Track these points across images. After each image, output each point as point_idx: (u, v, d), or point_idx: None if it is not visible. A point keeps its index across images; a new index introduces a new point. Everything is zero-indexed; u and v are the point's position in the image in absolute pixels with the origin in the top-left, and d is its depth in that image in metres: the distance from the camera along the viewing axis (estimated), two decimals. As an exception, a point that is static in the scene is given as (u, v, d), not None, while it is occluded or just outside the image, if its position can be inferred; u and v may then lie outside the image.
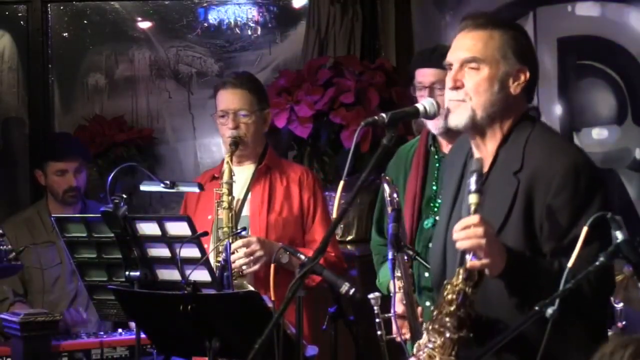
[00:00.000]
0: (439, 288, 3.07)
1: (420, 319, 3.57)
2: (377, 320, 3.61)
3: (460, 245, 2.79)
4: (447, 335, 2.81)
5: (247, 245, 4.22)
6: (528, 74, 2.99)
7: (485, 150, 3.02)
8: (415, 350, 2.93)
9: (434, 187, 3.87)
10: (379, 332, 3.63)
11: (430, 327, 2.87)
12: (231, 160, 4.28)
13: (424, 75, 3.91)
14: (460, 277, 2.80)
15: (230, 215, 4.24)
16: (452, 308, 2.81)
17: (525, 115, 3.02)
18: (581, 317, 2.85)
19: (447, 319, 2.81)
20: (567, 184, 2.87)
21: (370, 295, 3.62)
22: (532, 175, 2.90)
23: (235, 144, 4.34)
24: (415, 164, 3.98)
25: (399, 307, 3.61)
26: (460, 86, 2.97)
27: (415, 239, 3.87)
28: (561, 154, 2.92)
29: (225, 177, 4.26)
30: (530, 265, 2.84)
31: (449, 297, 2.82)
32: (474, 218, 2.77)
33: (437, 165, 3.90)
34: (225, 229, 4.23)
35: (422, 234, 3.85)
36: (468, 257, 2.79)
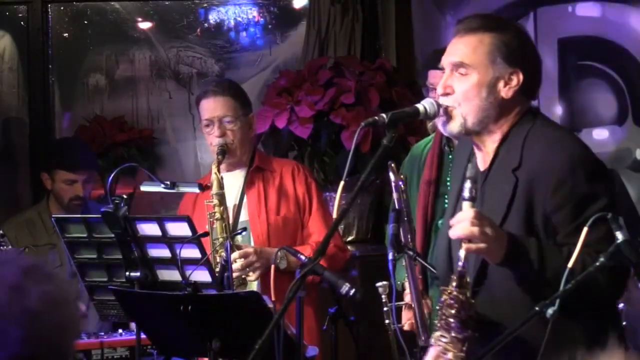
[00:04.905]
0: (446, 284, 3.09)
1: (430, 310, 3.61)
2: (385, 309, 3.61)
3: (454, 233, 2.80)
4: (453, 334, 2.83)
5: (244, 256, 4.22)
6: (521, 77, 2.97)
7: (485, 149, 3.03)
8: (433, 341, 2.94)
9: (449, 187, 3.88)
10: (386, 321, 3.64)
11: (439, 324, 2.88)
12: (218, 170, 4.26)
13: (436, 76, 3.88)
14: (454, 283, 2.82)
15: (223, 225, 4.23)
16: (452, 311, 2.82)
17: (527, 113, 3.01)
18: (586, 314, 2.86)
19: (452, 320, 2.82)
20: (566, 179, 2.87)
21: (378, 284, 3.62)
22: (531, 172, 2.91)
23: (223, 152, 4.32)
24: (429, 163, 3.99)
25: (407, 298, 3.64)
26: (449, 92, 2.99)
27: (429, 237, 3.89)
28: (558, 150, 2.92)
29: (215, 188, 4.24)
30: (533, 250, 2.83)
31: (448, 302, 2.83)
32: (470, 212, 2.78)
33: (451, 164, 3.90)
34: (221, 239, 4.22)
35: (438, 233, 3.86)
36: (461, 252, 2.79)
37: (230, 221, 4.33)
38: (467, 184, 2.79)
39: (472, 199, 2.78)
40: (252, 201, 4.41)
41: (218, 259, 4.12)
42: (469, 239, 2.77)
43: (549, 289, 2.75)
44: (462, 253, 2.78)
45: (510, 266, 2.85)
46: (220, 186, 4.24)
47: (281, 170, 4.48)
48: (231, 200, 4.37)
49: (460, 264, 2.79)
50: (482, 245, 2.77)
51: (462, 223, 2.77)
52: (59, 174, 5.20)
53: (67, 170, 5.19)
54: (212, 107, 4.39)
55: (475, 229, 2.75)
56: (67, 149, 5.46)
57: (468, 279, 2.82)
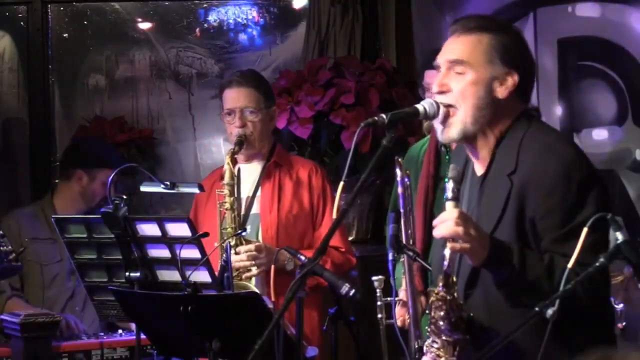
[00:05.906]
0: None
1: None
2: (379, 303, 3.61)
3: (438, 232, 2.80)
4: (443, 338, 2.83)
5: (254, 250, 4.21)
6: (517, 78, 2.97)
7: (480, 154, 3.03)
8: (425, 348, 2.94)
9: (446, 181, 3.87)
10: (379, 316, 3.64)
11: (429, 329, 2.88)
12: (232, 161, 4.27)
13: (432, 76, 3.88)
14: (440, 283, 2.82)
15: (232, 216, 4.23)
16: (441, 313, 2.82)
17: (521, 116, 3.00)
18: (579, 320, 2.85)
19: (441, 322, 2.83)
20: (558, 185, 2.86)
21: (374, 278, 3.62)
22: (525, 177, 2.90)
23: (240, 143, 4.33)
24: (426, 164, 3.99)
25: (402, 294, 3.64)
26: (446, 90, 2.98)
27: (431, 233, 3.89)
28: (551, 155, 2.90)
29: (227, 179, 4.25)
30: (516, 255, 2.83)
31: (436, 304, 2.83)
32: (454, 211, 2.79)
33: (449, 164, 3.89)
34: (229, 230, 4.22)
35: None
36: (446, 251, 2.79)
37: (242, 212, 4.32)
38: (450, 184, 2.80)
39: (455, 199, 2.79)
40: (266, 195, 4.41)
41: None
42: (453, 239, 2.78)
43: (527, 295, 2.78)
44: (446, 252, 2.80)
45: (491, 269, 2.86)
46: (232, 177, 4.24)
47: (299, 168, 4.48)
48: (245, 191, 4.37)
49: (445, 263, 2.80)
50: (466, 245, 2.78)
51: (446, 222, 2.78)
52: (105, 173, 5.07)
53: (115, 168, 5.07)
54: (234, 97, 4.40)
55: (460, 229, 2.76)
56: (112, 149, 5.44)
57: (454, 279, 2.83)
